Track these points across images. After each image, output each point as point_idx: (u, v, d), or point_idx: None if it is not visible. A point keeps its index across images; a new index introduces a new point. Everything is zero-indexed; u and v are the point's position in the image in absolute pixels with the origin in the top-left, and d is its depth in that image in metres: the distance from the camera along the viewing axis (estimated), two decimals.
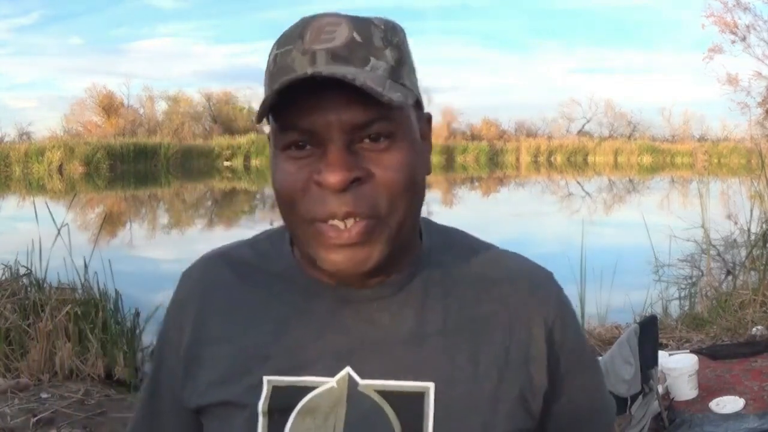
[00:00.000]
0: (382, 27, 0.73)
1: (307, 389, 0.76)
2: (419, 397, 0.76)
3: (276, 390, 0.77)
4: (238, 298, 0.83)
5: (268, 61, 0.75)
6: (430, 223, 0.86)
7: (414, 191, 0.75)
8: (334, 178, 0.69)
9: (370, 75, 0.70)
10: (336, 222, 0.71)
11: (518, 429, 0.79)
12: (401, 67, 0.74)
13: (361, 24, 0.72)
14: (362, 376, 0.76)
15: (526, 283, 0.83)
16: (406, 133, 0.74)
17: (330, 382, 0.76)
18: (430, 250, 0.83)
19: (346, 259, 0.72)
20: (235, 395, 0.79)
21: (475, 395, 0.77)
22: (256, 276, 0.84)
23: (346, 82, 0.67)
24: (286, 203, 0.74)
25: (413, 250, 0.81)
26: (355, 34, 0.71)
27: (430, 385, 0.76)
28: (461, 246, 0.85)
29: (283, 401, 0.76)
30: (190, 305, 0.86)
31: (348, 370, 0.77)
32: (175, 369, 0.86)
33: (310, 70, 0.68)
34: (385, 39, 0.73)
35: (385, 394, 0.76)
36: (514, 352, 0.79)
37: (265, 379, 0.77)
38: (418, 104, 0.78)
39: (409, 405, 0.75)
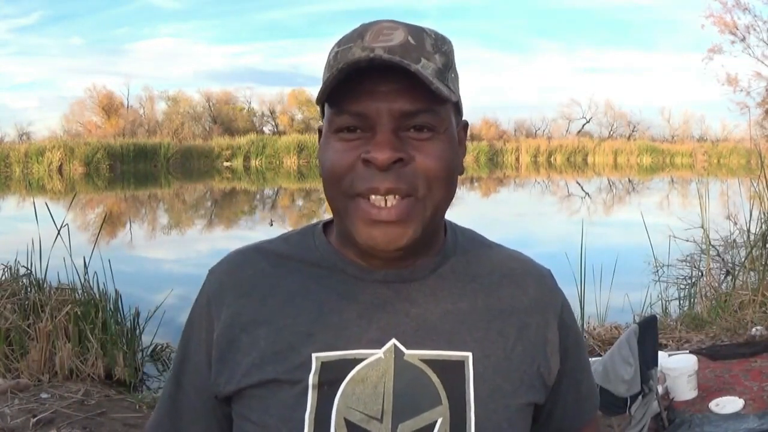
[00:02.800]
0: (433, 36, 0.82)
1: (355, 361, 0.82)
2: (460, 364, 0.84)
3: (325, 364, 0.82)
4: (274, 284, 0.88)
5: (328, 58, 0.83)
6: (452, 223, 0.95)
7: (449, 182, 0.83)
8: (382, 155, 0.77)
9: (421, 70, 0.78)
10: (376, 198, 0.79)
11: (535, 401, 0.88)
12: (447, 71, 0.82)
13: (415, 30, 0.81)
14: (407, 347, 0.83)
15: (538, 276, 0.94)
16: (447, 130, 0.83)
17: (377, 354, 0.83)
18: (455, 243, 0.92)
19: (382, 234, 0.80)
20: (282, 373, 0.83)
21: (505, 365, 0.86)
22: (291, 264, 0.90)
23: (399, 75, 0.76)
24: (332, 178, 0.81)
25: (440, 240, 0.90)
26: (409, 38, 0.80)
27: (469, 355, 0.84)
28: (481, 242, 0.95)
29: (333, 374, 0.82)
30: (220, 297, 0.89)
31: (394, 341, 0.83)
32: (200, 364, 0.90)
33: (371, 55, 0.76)
34: (435, 45, 0.81)
35: (429, 362, 0.83)
36: (533, 333, 0.89)
37: (314, 355, 0.83)
38: (458, 110, 0.87)
39: (452, 371, 0.83)
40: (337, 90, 0.78)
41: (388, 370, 0.82)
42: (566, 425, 0.96)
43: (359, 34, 0.81)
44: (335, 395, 0.81)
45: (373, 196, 0.79)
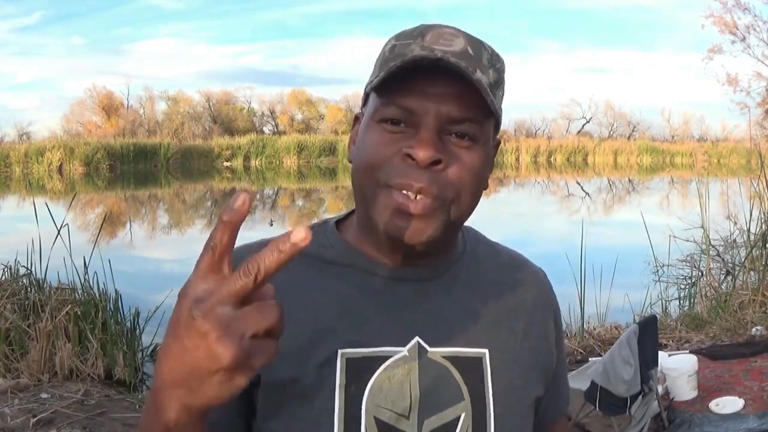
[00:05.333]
0: (490, 51, 0.83)
1: (381, 359, 0.83)
2: (478, 361, 0.86)
3: (351, 362, 0.82)
4: (290, 279, 0.84)
5: (384, 50, 0.84)
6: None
7: (476, 193, 0.84)
8: (424, 153, 0.78)
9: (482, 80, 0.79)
10: (408, 193, 0.79)
11: (541, 394, 0.92)
12: (497, 88, 0.83)
13: (474, 42, 0.82)
14: (429, 345, 0.85)
15: (539, 275, 0.98)
16: (485, 143, 0.84)
17: (402, 351, 0.83)
18: (465, 243, 0.94)
19: (406, 226, 0.80)
20: (307, 370, 0.82)
21: (517, 362, 0.89)
22: (307, 261, 0.87)
23: (454, 80, 0.77)
24: (368, 166, 0.81)
25: (456, 241, 0.93)
26: (469, 48, 0.80)
27: (485, 351, 0.87)
28: (485, 243, 0.98)
29: (359, 372, 0.82)
30: None
31: (417, 339, 0.84)
32: None
33: (438, 54, 0.77)
34: (490, 60, 0.82)
35: (451, 359, 0.85)
36: (536, 329, 0.93)
37: (339, 352, 0.82)
38: (497, 128, 0.88)
39: (471, 368, 0.85)
40: (391, 81, 0.79)
41: (413, 367, 0.83)
42: (547, 417, 0.98)
43: (420, 33, 0.81)
44: (363, 394, 0.81)
45: (404, 191, 0.79)
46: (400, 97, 0.80)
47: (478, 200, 0.86)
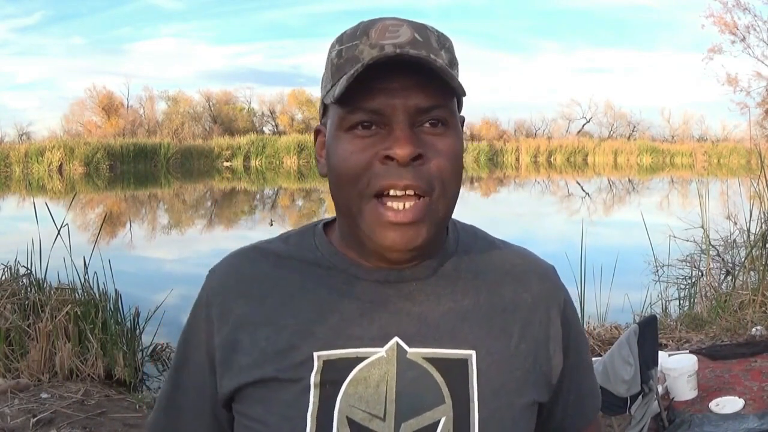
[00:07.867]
0: (436, 33, 0.82)
1: (358, 360, 0.82)
2: (464, 363, 0.83)
3: (327, 363, 0.82)
4: (273, 284, 0.87)
5: (330, 57, 0.83)
6: (454, 220, 0.93)
7: (459, 180, 0.83)
8: (402, 150, 0.77)
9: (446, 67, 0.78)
10: (394, 198, 0.79)
11: (539, 400, 0.87)
12: (453, 68, 0.82)
13: (418, 27, 0.81)
14: (410, 346, 0.83)
15: (541, 272, 0.93)
16: (456, 124, 0.83)
17: (380, 352, 0.82)
18: (457, 240, 0.91)
19: (399, 236, 0.79)
20: (282, 371, 0.82)
21: (509, 363, 0.85)
22: (291, 264, 0.89)
23: (410, 71, 0.76)
24: (349, 178, 0.80)
25: (443, 239, 0.90)
26: (416, 35, 0.80)
27: (472, 353, 0.83)
28: (483, 239, 0.94)
29: (335, 373, 0.81)
30: (219, 298, 0.88)
31: (396, 339, 0.83)
32: (199, 365, 0.89)
33: (397, 51, 0.76)
34: (439, 42, 0.81)
35: (432, 360, 0.82)
36: (536, 330, 0.88)
37: (315, 354, 0.82)
38: (459, 106, 0.86)
39: (455, 370, 0.82)
40: (347, 87, 0.77)
41: (390, 368, 0.81)
42: (567, 424, 0.95)
43: (363, 31, 0.80)
44: (338, 394, 0.80)
45: (390, 192, 0.78)
46: (363, 101, 0.78)
47: (460, 184, 0.85)
